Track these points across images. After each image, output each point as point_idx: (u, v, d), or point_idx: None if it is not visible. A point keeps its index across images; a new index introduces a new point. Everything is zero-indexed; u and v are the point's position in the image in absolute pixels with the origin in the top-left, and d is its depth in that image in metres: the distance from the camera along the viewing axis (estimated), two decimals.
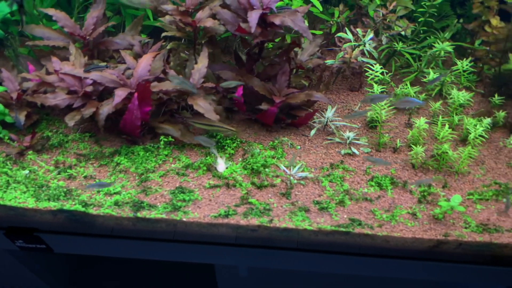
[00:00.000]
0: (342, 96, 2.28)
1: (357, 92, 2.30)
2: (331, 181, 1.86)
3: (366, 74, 2.19)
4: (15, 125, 1.98)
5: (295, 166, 1.87)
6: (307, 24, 2.24)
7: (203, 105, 1.89)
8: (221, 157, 1.93)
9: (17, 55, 2.18)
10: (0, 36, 2.17)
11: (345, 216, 1.74)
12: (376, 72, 2.15)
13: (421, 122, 1.95)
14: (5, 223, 1.85)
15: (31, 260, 2.36)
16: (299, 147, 2.01)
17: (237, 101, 2.00)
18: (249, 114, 2.09)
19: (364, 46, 2.18)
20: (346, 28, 2.28)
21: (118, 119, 1.91)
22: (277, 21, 1.86)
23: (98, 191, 1.80)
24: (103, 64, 2.00)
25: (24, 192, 1.78)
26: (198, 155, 1.95)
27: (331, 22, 2.44)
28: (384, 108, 1.98)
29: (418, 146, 1.90)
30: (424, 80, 2.19)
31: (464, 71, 2.21)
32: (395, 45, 2.29)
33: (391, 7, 2.21)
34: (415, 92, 2.16)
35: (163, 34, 2.03)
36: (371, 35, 2.19)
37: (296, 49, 2.17)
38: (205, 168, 1.90)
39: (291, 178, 1.84)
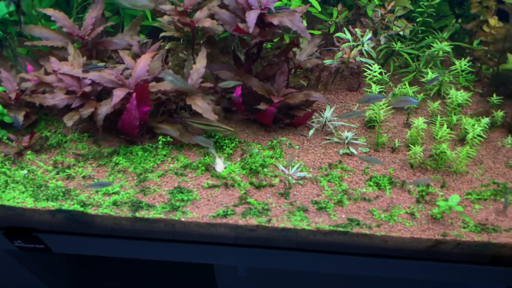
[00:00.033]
0: (341, 96, 2.28)
1: (355, 92, 2.30)
2: (330, 181, 1.86)
3: (365, 74, 2.19)
4: (13, 125, 1.98)
5: (293, 166, 1.87)
6: (306, 24, 2.25)
7: (202, 105, 1.89)
8: (219, 157, 1.93)
9: (15, 55, 2.18)
10: None
11: (344, 216, 1.74)
12: (375, 72, 2.15)
13: (419, 122, 1.95)
14: (4, 223, 1.86)
15: (30, 260, 2.36)
16: (297, 147, 2.01)
17: (236, 101, 2.00)
18: (247, 114, 2.09)
19: (363, 46, 2.18)
20: (344, 28, 2.28)
21: (117, 119, 1.91)
22: (275, 21, 1.86)
23: (97, 191, 1.80)
24: (102, 64, 2.00)
25: (23, 192, 1.78)
26: (197, 155, 1.95)
27: (330, 22, 2.44)
28: (383, 108, 1.98)
29: (416, 146, 1.90)
30: (423, 80, 2.19)
31: (462, 71, 2.22)
32: (393, 45, 2.29)
33: (389, 7, 2.21)
34: (413, 92, 2.17)
35: (162, 34, 2.04)
36: (370, 35, 2.19)
37: (294, 49, 2.17)
38: (203, 168, 1.90)
39: (290, 178, 1.84)
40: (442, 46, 2.20)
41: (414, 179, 1.88)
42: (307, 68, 2.21)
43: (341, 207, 1.77)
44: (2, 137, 1.97)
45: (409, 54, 2.33)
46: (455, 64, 2.19)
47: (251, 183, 1.84)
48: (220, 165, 1.89)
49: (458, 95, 2.07)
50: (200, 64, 1.97)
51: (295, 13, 1.87)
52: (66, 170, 1.88)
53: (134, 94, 1.83)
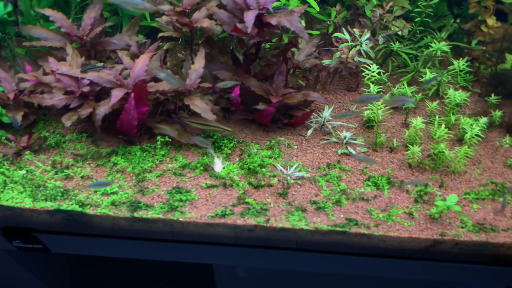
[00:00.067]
0: (339, 96, 2.28)
1: (354, 92, 2.30)
2: (328, 180, 1.87)
3: (363, 74, 2.20)
4: (12, 126, 1.98)
5: (291, 166, 1.88)
6: (304, 24, 2.25)
7: (200, 105, 1.89)
8: (218, 157, 1.93)
9: (14, 55, 2.18)
10: None
11: (342, 216, 1.74)
12: (373, 72, 2.15)
13: (417, 121, 1.95)
14: (2, 223, 1.86)
15: (29, 260, 2.36)
16: (296, 147, 2.01)
17: (234, 101, 2.00)
18: (246, 114, 2.09)
19: (361, 46, 2.19)
20: (343, 28, 2.28)
21: (115, 119, 1.91)
22: (273, 21, 1.86)
23: (95, 191, 1.80)
24: (100, 64, 2.00)
25: (21, 192, 1.78)
26: (195, 155, 1.95)
27: (328, 22, 2.44)
28: (381, 108, 1.98)
29: (414, 145, 1.91)
30: (421, 80, 2.20)
31: (460, 70, 2.22)
32: (392, 45, 2.29)
33: (387, 7, 2.21)
34: (412, 92, 2.17)
35: (160, 34, 2.04)
36: (368, 35, 2.19)
37: (293, 49, 2.17)
38: (202, 168, 1.90)
39: (288, 178, 1.84)
40: (440, 46, 2.21)
41: (412, 179, 1.89)
42: (306, 68, 2.21)
43: (340, 207, 1.77)
44: (1, 137, 1.97)
45: (407, 54, 2.33)
46: (454, 64, 2.20)
47: (250, 183, 1.85)
48: (218, 165, 1.90)
49: (456, 95, 2.07)
50: (198, 64, 1.97)
51: (293, 13, 1.87)
52: (65, 170, 1.88)
53: (132, 94, 1.83)
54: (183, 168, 1.90)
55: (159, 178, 1.86)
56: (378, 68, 2.17)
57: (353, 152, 1.98)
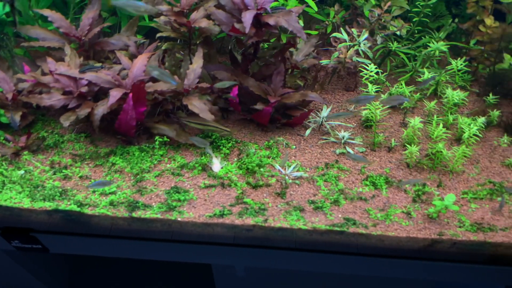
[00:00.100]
0: (338, 96, 2.28)
1: (352, 92, 2.30)
2: (326, 180, 1.87)
3: (361, 74, 2.20)
4: (10, 126, 1.99)
5: (289, 166, 1.88)
6: (302, 24, 2.25)
7: (198, 105, 1.89)
8: (216, 157, 1.93)
9: (12, 56, 2.18)
10: None
11: (340, 216, 1.74)
12: (371, 72, 2.15)
13: (415, 121, 1.95)
14: (1, 223, 1.86)
15: (27, 260, 2.37)
16: (294, 146, 2.01)
17: (232, 101, 2.01)
18: (244, 114, 2.09)
19: (359, 46, 2.19)
20: (341, 28, 2.29)
21: (114, 119, 1.91)
22: (271, 21, 1.86)
23: (94, 191, 1.80)
24: (99, 64, 2.00)
25: (20, 192, 1.78)
26: (193, 155, 1.96)
27: (327, 22, 2.44)
28: (379, 108, 1.98)
29: (412, 145, 1.91)
30: (419, 79, 2.20)
31: (458, 70, 2.22)
32: (390, 45, 2.29)
33: (386, 7, 2.22)
34: (410, 92, 2.17)
35: (158, 34, 2.04)
36: (366, 35, 2.19)
37: (291, 49, 2.17)
38: (200, 168, 1.90)
39: (286, 177, 1.84)
40: (438, 45, 2.21)
41: (410, 179, 1.89)
42: (304, 68, 2.21)
43: (338, 207, 1.77)
44: None
45: (405, 54, 2.34)
46: (452, 64, 2.20)
47: (248, 183, 1.85)
48: (216, 165, 1.90)
49: (455, 95, 2.08)
50: (196, 64, 1.97)
51: (291, 13, 1.87)
52: (63, 171, 1.88)
53: (130, 94, 1.83)
54: (181, 168, 1.90)
55: (158, 178, 1.86)
56: (376, 68, 2.17)
57: (351, 151, 1.98)
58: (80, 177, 1.87)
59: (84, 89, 1.92)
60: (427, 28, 2.41)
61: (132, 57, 2.08)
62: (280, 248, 1.81)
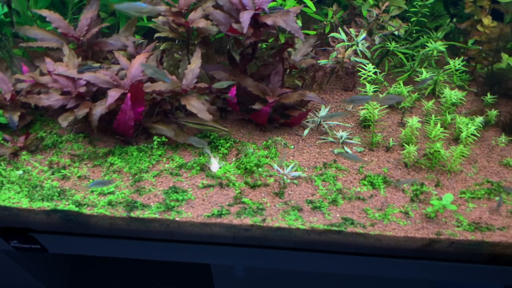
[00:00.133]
0: (336, 96, 2.29)
1: (350, 92, 2.31)
2: (324, 180, 1.87)
3: (360, 74, 2.20)
4: (9, 126, 1.99)
5: (288, 166, 1.88)
6: (301, 24, 2.26)
7: (196, 105, 1.90)
8: (214, 157, 1.93)
9: (11, 56, 2.18)
10: None
11: (338, 215, 1.74)
12: (369, 71, 2.16)
13: (414, 121, 1.96)
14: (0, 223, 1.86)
15: (26, 260, 2.37)
16: (292, 146, 2.02)
17: (231, 101, 2.01)
18: (242, 114, 2.09)
19: (357, 46, 2.19)
20: (339, 28, 2.29)
21: (112, 119, 1.91)
22: (269, 21, 1.87)
23: (92, 191, 1.80)
24: (97, 65, 2.01)
25: (18, 193, 1.79)
26: (192, 155, 1.96)
27: (325, 22, 2.45)
28: (377, 108, 1.98)
29: (410, 145, 1.91)
30: (417, 79, 2.20)
31: (456, 70, 2.23)
32: (388, 44, 2.30)
33: (384, 7, 2.22)
34: (408, 92, 2.17)
35: (156, 34, 2.04)
36: (364, 35, 2.20)
37: (289, 49, 2.18)
38: (198, 168, 1.90)
39: (284, 177, 1.84)
40: (436, 45, 2.21)
41: (408, 178, 1.89)
42: (302, 68, 2.21)
43: (336, 206, 1.78)
44: None
45: (403, 53, 2.34)
46: (450, 64, 2.20)
47: (246, 183, 1.85)
48: (215, 165, 1.90)
49: (453, 94, 2.08)
50: (195, 65, 1.98)
51: (289, 13, 1.88)
52: (62, 171, 1.88)
53: (128, 95, 1.83)
54: (179, 168, 1.90)
55: (156, 178, 1.87)
56: (374, 68, 2.17)
57: (349, 151, 1.99)
58: (79, 177, 1.87)
59: (82, 89, 1.93)
60: (425, 28, 2.41)
61: (131, 57, 2.09)
62: (278, 248, 1.82)
